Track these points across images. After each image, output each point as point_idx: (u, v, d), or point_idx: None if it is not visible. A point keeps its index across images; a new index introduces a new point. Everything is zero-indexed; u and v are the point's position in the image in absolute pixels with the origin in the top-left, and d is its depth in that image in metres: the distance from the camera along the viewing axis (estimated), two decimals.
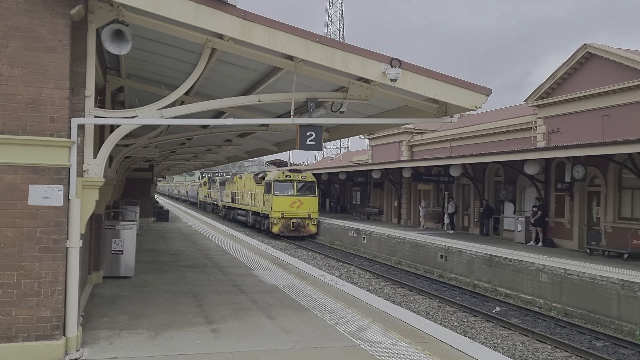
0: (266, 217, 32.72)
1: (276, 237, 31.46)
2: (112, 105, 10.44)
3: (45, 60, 6.18)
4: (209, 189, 57.17)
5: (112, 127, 7.91)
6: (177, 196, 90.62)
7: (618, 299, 13.07)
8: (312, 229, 32.14)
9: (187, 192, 78.87)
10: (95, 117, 6.70)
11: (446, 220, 27.05)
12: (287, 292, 10.92)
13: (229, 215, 44.99)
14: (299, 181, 32.33)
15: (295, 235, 31.41)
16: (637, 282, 12.73)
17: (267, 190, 32.41)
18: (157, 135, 12.74)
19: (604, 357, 10.62)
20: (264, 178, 34.40)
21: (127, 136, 11.63)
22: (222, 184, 49.21)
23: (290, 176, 32.35)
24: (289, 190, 31.86)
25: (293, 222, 31.35)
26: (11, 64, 6.10)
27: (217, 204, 51.44)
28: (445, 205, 28.22)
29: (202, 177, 67.63)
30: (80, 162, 6.57)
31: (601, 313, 13.50)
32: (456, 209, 27.27)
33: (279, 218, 31.19)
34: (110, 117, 6.95)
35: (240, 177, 42.71)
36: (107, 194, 10.56)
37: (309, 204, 31.95)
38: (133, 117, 6.98)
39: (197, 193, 66.19)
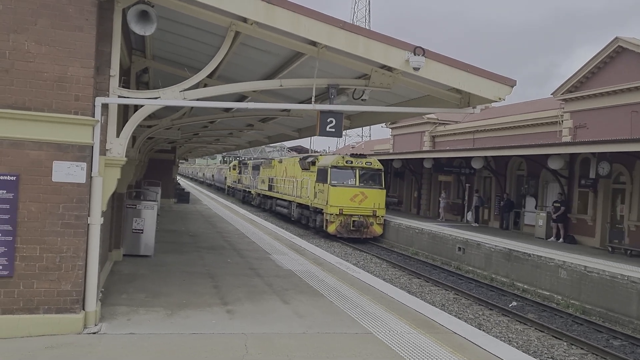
0: (318, 212, 26.27)
1: (330, 237, 25.27)
2: (136, 86, 10.55)
3: (71, 39, 6.27)
4: (239, 173, 50.08)
5: (136, 108, 8.01)
6: (201, 179, 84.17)
7: (638, 299, 12.86)
8: (377, 229, 25.46)
9: (213, 175, 70.77)
10: (119, 97, 6.80)
11: (470, 216, 26.66)
12: (303, 277, 11.00)
13: (265, 205, 38.01)
14: (362, 168, 25.65)
15: (356, 237, 24.95)
16: None
17: (322, 178, 25.94)
18: (180, 117, 12.85)
19: (620, 357, 10.49)
20: (314, 163, 28.03)
21: (150, 117, 11.77)
22: (256, 168, 42.41)
23: (351, 162, 25.61)
24: (350, 179, 25.31)
25: (354, 221, 24.81)
26: (39, 41, 6.20)
27: (249, 191, 44.31)
28: (465, 198, 28.00)
29: (231, 160, 61.42)
30: (103, 141, 6.68)
31: (620, 312, 13.30)
32: (481, 201, 26.82)
33: (336, 215, 24.62)
34: (133, 97, 7.05)
35: (280, 161, 35.91)
36: (129, 174, 10.71)
37: (375, 198, 25.23)
38: (156, 98, 7.05)
39: (225, 177, 58.49)
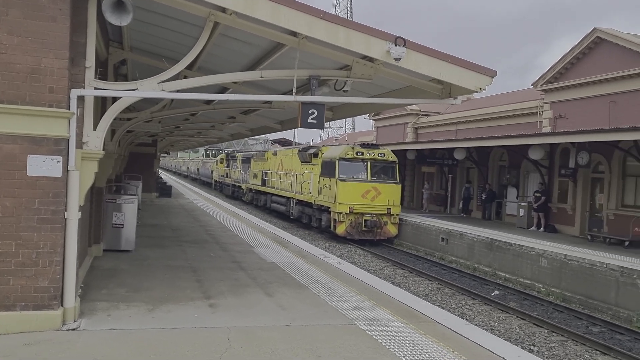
0: (323, 210, 23.36)
1: (338, 239, 22.51)
2: (114, 77, 10.37)
3: (45, 30, 6.11)
4: (228, 166, 46.63)
5: (114, 100, 7.87)
6: (185, 173, 79.52)
7: (617, 286, 13.08)
8: (392, 230, 22.56)
9: (198, 169, 66.39)
10: (95, 88, 6.66)
11: (460, 205, 26.79)
12: (286, 269, 10.97)
13: (258, 201, 34.88)
14: (375, 160, 22.66)
15: (368, 239, 22.14)
16: (636, 270, 12.71)
17: (328, 172, 22.97)
18: (160, 110, 12.68)
19: (599, 342, 10.66)
20: (316, 155, 25.18)
21: (129, 109, 11.62)
22: (246, 161, 39.53)
23: (362, 153, 22.54)
24: (361, 173, 22.38)
25: (366, 220, 21.86)
26: (11, 32, 6.03)
27: (239, 186, 41.24)
28: (449, 189, 28.16)
29: (214, 154, 58.67)
30: (79, 134, 6.55)
31: (599, 299, 13.52)
32: (468, 192, 26.77)
33: (345, 214, 21.70)
34: (110, 89, 6.92)
35: (275, 154, 32.74)
36: (108, 167, 10.55)
37: (389, 194, 22.30)
38: (133, 89, 6.93)
39: (212, 171, 55.19)
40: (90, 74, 6.59)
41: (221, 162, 50.03)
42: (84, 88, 6.53)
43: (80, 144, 6.56)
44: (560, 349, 10.47)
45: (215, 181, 52.61)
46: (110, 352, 5.80)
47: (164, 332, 6.55)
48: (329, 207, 22.60)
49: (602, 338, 11.19)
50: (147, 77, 7.16)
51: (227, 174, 46.99)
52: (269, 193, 31.92)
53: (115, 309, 7.36)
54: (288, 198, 28.02)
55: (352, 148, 23.03)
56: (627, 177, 19.03)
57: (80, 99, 6.51)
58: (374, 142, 23.91)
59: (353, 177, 22.27)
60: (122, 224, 11.66)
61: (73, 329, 6.40)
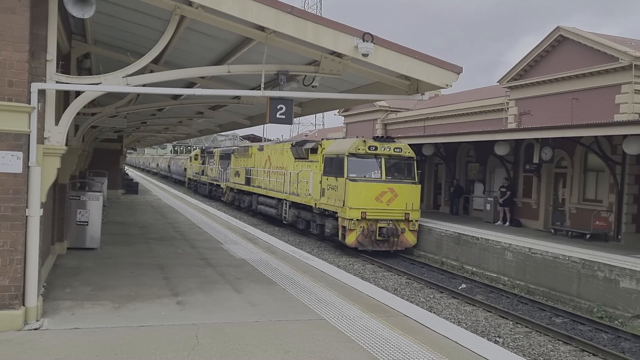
0: (327, 215, 20.00)
1: (346, 250, 19.46)
2: (78, 72, 10.12)
3: (3, 22, 5.92)
4: (203, 163, 42.49)
5: (78, 94, 7.69)
6: (154, 170, 73.54)
7: (578, 278, 13.47)
8: (410, 238, 19.20)
9: (169, 166, 60.67)
10: (57, 82, 6.49)
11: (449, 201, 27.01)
12: (256, 266, 10.92)
13: (241, 202, 31.05)
14: (389, 156, 19.18)
15: (383, 249, 18.86)
16: (596, 262, 13.12)
17: (333, 170, 19.58)
18: (125, 105, 12.44)
19: (562, 333, 10.96)
20: (315, 150, 21.86)
21: (93, 104, 11.37)
22: (225, 157, 35.70)
23: (375, 148, 19.02)
24: (374, 171, 18.92)
25: (381, 228, 18.54)
26: None
27: (217, 185, 37.14)
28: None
29: (182, 150, 57.32)
30: (40, 129, 6.38)
31: (562, 291, 13.90)
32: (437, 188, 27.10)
33: (357, 220, 18.26)
34: (72, 83, 6.75)
35: (261, 149, 28.89)
36: (72, 163, 10.30)
37: (407, 197, 18.86)
38: (97, 84, 6.78)
39: (185, 169, 50.27)
40: (51, 67, 6.42)
41: (196, 159, 45.67)
42: (45, 82, 6.36)
43: (41, 139, 6.39)
44: (525, 340, 10.73)
45: (189, 179, 47.88)
46: (74, 352, 5.67)
47: (130, 331, 6.44)
48: (336, 212, 19.22)
49: (565, 329, 11.51)
50: (111, 71, 7.01)
51: (202, 171, 42.81)
52: (255, 193, 28.20)
53: (80, 308, 7.21)
54: (279, 200, 24.63)
55: (364, 142, 19.25)
56: (589, 172, 19.60)
57: (42, 92, 6.34)
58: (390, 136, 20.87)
59: (365, 176, 18.80)
60: (87, 222, 11.41)
61: (35, 329, 6.24)
